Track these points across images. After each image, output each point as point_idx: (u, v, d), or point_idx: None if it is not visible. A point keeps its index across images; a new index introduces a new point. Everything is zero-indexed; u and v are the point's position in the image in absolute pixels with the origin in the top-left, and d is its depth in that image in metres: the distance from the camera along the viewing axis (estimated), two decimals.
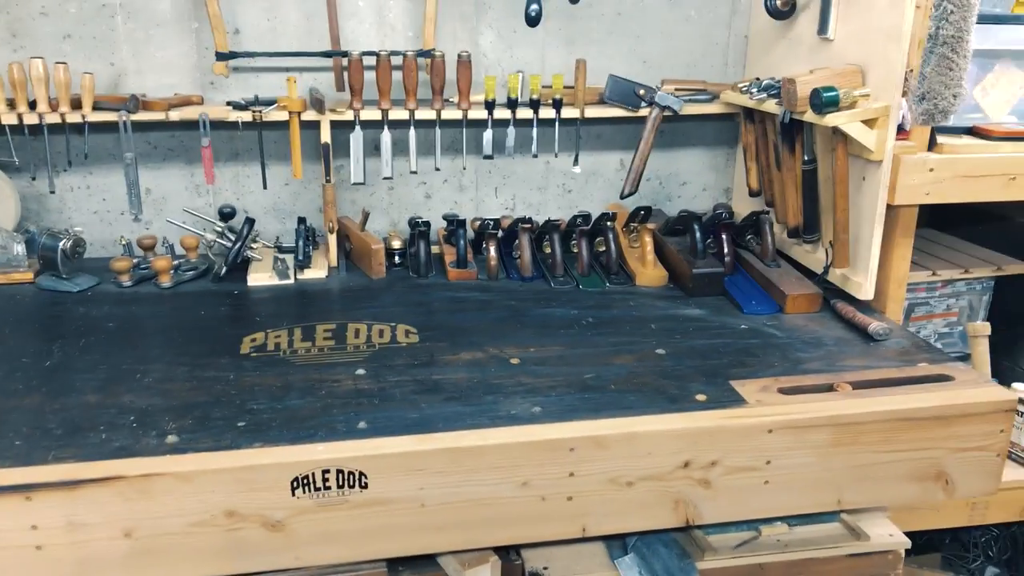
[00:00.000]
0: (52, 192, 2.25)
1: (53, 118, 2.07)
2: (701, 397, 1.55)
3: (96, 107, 2.10)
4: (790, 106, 1.94)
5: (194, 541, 1.33)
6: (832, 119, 1.81)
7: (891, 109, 1.78)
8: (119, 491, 1.29)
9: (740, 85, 2.25)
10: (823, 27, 2.02)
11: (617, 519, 1.49)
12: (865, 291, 1.91)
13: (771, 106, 2.07)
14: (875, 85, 1.83)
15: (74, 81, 2.08)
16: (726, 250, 2.15)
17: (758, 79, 2.20)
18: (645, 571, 1.52)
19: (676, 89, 2.35)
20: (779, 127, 2.07)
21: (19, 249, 2.10)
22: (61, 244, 2.06)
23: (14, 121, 2.05)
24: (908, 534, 1.66)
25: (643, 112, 2.30)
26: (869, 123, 1.81)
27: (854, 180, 1.91)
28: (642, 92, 2.28)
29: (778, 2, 2.16)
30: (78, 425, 1.43)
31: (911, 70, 1.82)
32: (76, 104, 2.09)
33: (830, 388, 1.61)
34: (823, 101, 1.81)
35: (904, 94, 1.82)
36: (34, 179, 2.21)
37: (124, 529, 1.31)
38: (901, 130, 1.92)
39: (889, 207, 1.87)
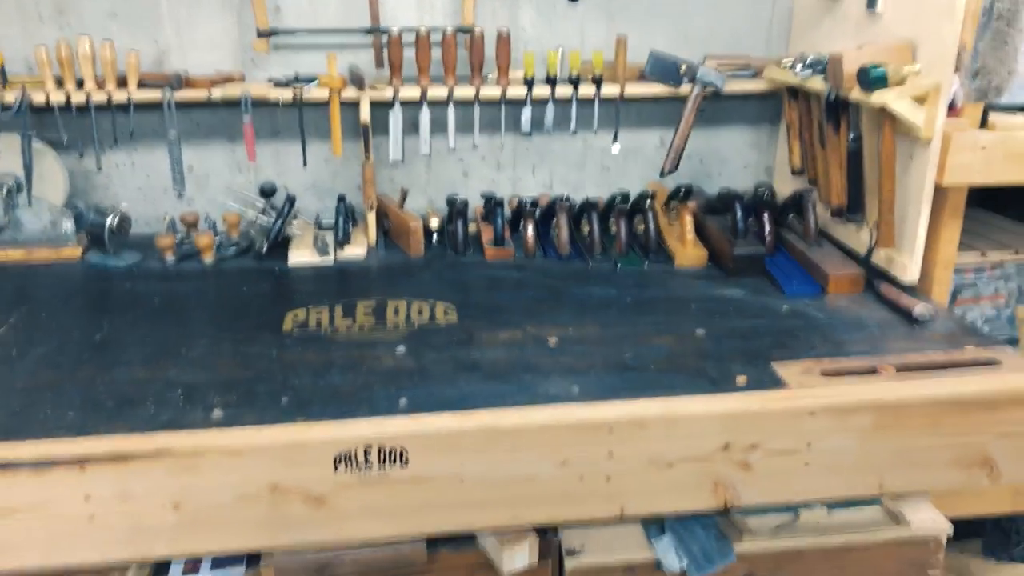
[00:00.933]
0: (99, 169, 2.29)
1: (100, 96, 2.10)
2: (742, 379, 1.53)
3: (141, 85, 2.12)
4: (836, 83, 1.89)
5: (239, 514, 1.36)
6: (880, 97, 1.77)
7: (942, 86, 1.73)
8: (168, 464, 1.32)
9: (784, 62, 2.20)
10: (872, 2, 1.96)
11: (656, 500, 1.49)
12: (910, 273, 1.88)
13: (816, 83, 2.03)
14: (926, 61, 1.78)
15: (119, 59, 2.11)
16: (768, 230, 2.12)
17: (803, 55, 2.16)
18: (682, 552, 1.53)
19: (718, 65, 2.31)
20: (824, 105, 2.02)
21: (68, 225, 2.15)
22: (108, 220, 2.10)
23: (62, 99, 2.09)
24: (950, 520, 1.64)
25: (684, 89, 2.26)
26: (919, 100, 1.76)
27: (901, 159, 1.87)
28: (684, 69, 2.25)
29: None
30: (128, 398, 1.46)
31: (964, 46, 1.77)
32: (121, 82, 2.12)
33: (873, 371, 1.58)
34: (871, 78, 1.76)
35: (956, 70, 1.76)
36: (82, 156, 2.25)
37: (172, 501, 1.34)
38: (952, 108, 1.86)
39: (937, 187, 1.83)
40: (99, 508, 1.33)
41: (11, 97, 2.05)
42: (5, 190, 2.10)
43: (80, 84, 2.11)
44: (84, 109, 2.12)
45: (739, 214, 2.09)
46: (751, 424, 1.46)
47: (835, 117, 2.02)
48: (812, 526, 1.61)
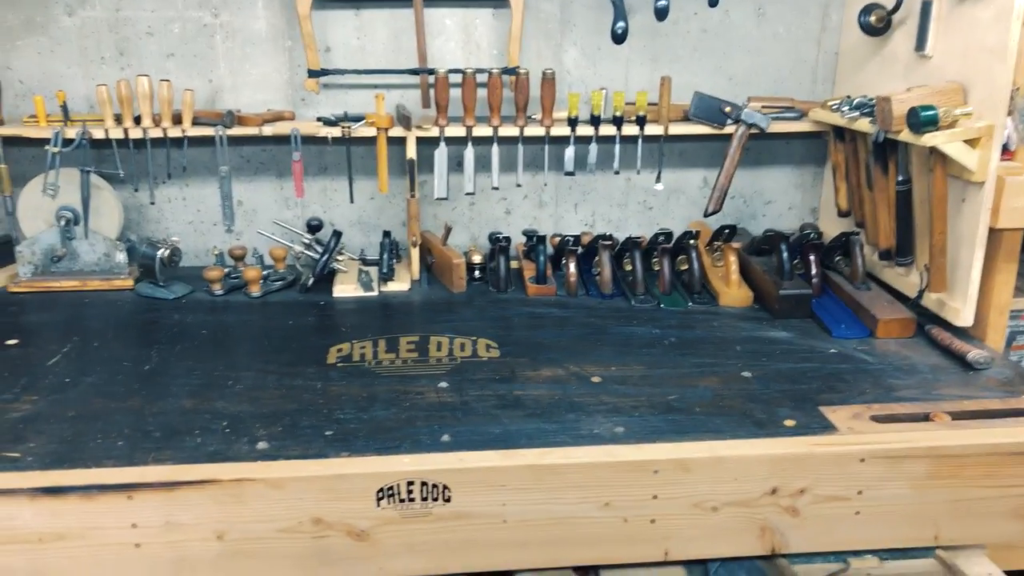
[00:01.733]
0: (152, 203, 2.35)
1: (156, 132, 2.17)
2: (789, 422, 1.51)
3: (195, 122, 2.19)
4: (885, 125, 1.88)
5: (282, 546, 1.36)
6: (930, 139, 1.75)
7: (995, 129, 1.71)
8: (213, 494, 1.33)
9: (830, 103, 2.20)
10: (921, 44, 1.95)
11: (701, 544, 1.46)
12: (963, 317, 1.83)
13: (864, 124, 2.01)
14: (978, 103, 1.76)
15: (175, 97, 2.18)
16: (814, 271, 2.09)
17: (849, 97, 2.15)
18: None
19: (763, 106, 2.31)
20: (872, 146, 2.01)
21: (121, 257, 2.20)
22: (159, 253, 2.15)
23: (120, 135, 2.16)
24: (1007, 574, 1.58)
25: (729, 129, 2.26)
26: (971, 143, 1.74)
27: (953, 202, 1.84)
28: (728, 109, 2.25)
29: (872, 18, 2.11)
30: (175, 429, 1.48)
31: (1017, 88, 1.74)
32: (176, 119, 2.19)
33: (926, 417, 1.54)
34: (921, 120, 1.75)
35: (1010, 113, 1.74)
36: (136, 190, 2.31)
37: (217, 531, 1.35)
38: (1006, 150, 1.84)
39: (992, 230, 1.80)
40: (145, 536, 1.34)
41: (72, 133, 2.13)
42: (63, 222, 2.16)
43: (138, 121, 2.18)
44: (140, 145, 2.18)
45: (785, 255, 2.07)
46: (799, 468, 1.42)
47: (883, 159, 2.00)
48: None
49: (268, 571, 1.38)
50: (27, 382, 1.66)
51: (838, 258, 2.19)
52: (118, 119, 2.17)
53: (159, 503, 1.33)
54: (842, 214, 2.30)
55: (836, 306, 2.05)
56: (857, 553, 1.55)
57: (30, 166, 2.29)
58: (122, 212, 2.25)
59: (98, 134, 2.15)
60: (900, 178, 1.95)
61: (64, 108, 2.15)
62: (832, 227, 2.37)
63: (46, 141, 2.12)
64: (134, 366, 1.75)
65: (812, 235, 2.15)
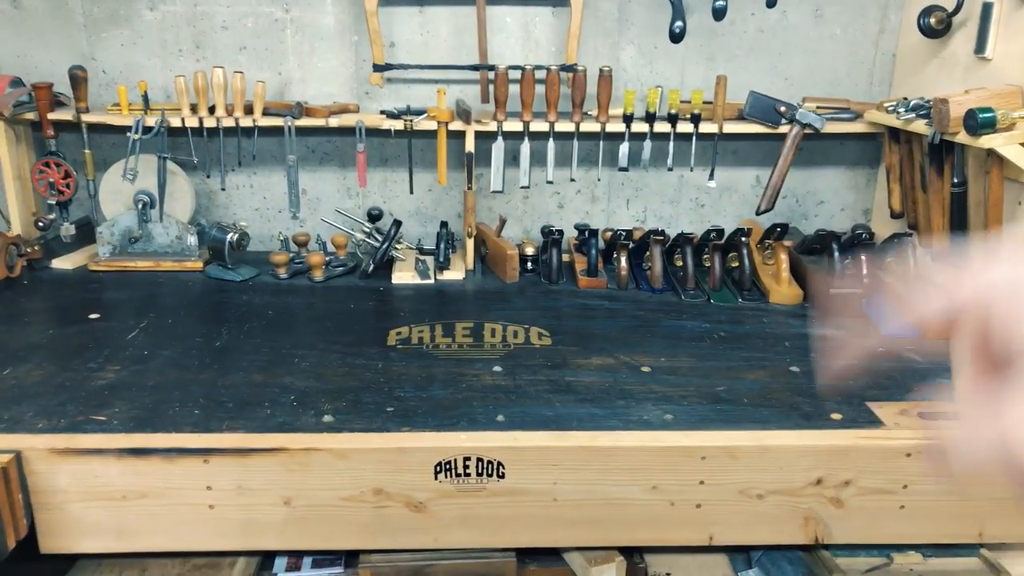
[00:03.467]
0: (222, 189, 2.47)
1: (228, 122, 2.27)
2: (836, 416, 1.54)
3: (265, 113, 2.29)
4: (941, 126, 1.89)
5: (345, 513, 1.44)
6: (987, 141, 1.76)
7: None
8: (282, 461, 1.42)
9: (886, 104, 2.20)
10: (981, 46, 1.96)
11: (745, 530, 1.50)
12: None
13: (920, 126, 2.02)
14: None
15: (247, 88, 2.29)
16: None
17: (906, 99, 2.16)
18: None
19: (818, 107, 2.33)
20: (928, 148, 2.02)
21: (192, 240, 2.32)
22: (228, 237, 2.26)
23: (195, 124, 2.27)
24: None
25: (783, 129, 2.29)
26: None
27: (1009, 204, 1.84)
28: (783, 109, 2.28)
29: (932, 20, 2.11)
30: (246, 400, 1.57)
31: None
32: (248, 109, 2.29)
33: None
34: (979, 122, 1.76)
35: None
36: (208, 177, 2.43)
37: (284, 497, 1.44)
38: None
39: None
40: (219, 499, 1.43)
41: (151, 121, 2.25)
42: (141, 205, 2.28)
43: (212, 110, 2.29)
44: (213, 133, 2.30)
45: (836, 254, 2.09)
46: (845, 460, 1.45)
47: (939, 161, 2.01)
48: (906, 572, 1.58)
49: (331, 537, 1.47)
50: (110, 353, 1.77)
51: (890, 259, 2.20)
52: (193, 108, 2.28)
53: (232, 468, 1.42)
54: (895, 215, 2.31)
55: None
56: (900, 547, 1.58)
57: (111, 152, 2.42)
58: (194, 197, 2.37)
59: (175, 122, 2.27)
60: (955, 180, 1.96)
61: (145, 97, 2.27)
62: (884, 229, 2.37)
63: (127, 128, 2.24)
64: (206, 342, 1.85)
65: (864, 235, 2.16)
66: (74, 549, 1.45)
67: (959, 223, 1.99)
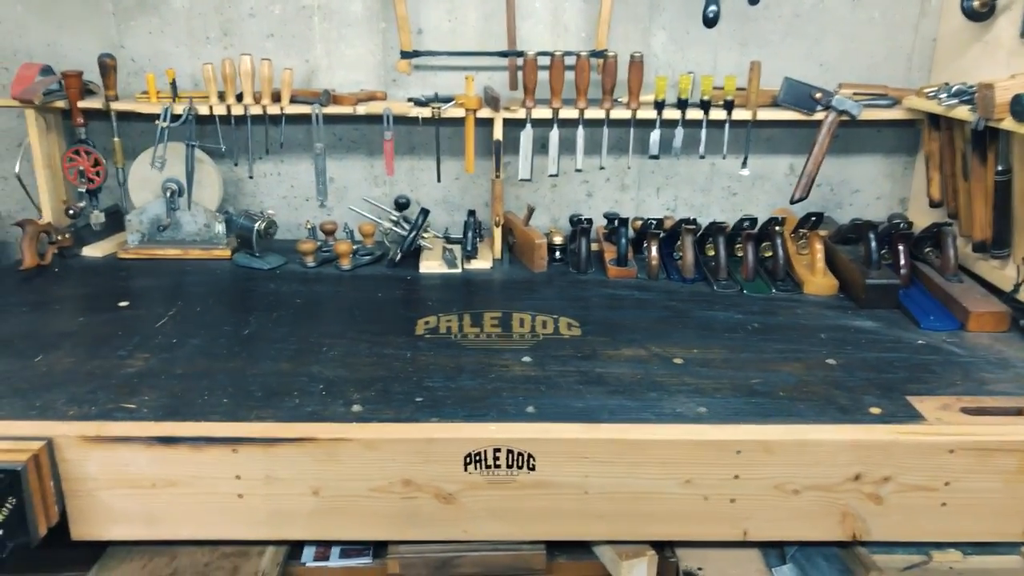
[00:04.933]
0: (251, 177, 2.46)
1: (256, 110, 2.26)
2: (875, 410, 1.50)
3: (293, 100, 2.28)
4: (985, 112, 1.83)
5: (373, 504, 1.43)
6: None
7: None
8: (311, 452, 1.41)
9: (927, 90, 2.14)
10: None
11: (780, 526, 1.46)
12: None
13: (962, 112, 1.96)
14: None
15: (275, 76, 2.27)
16: (902, 261, 2.05)
17: (947, 84, 2.09)
18: None
19: (855, 93, 2.27)
20: (970, 135, 1.95)
21: (220, 228, 2.32)
22: (256, 225, 2.25)
23: (223, 112, 2.27)
24: None
25: (818, 116, 2.23)
26: None
27: None
28: (818, 96, 2.22)
29: (976, 3, 2.05)
30: (274, 389, 1.57)
31: None
32: (275, 97, 2.28)
33: (1019, 412, 1.51)
34: None
35: None
36: (236, 165, 2.43)
37: (313, 487, 1.43)
38: None
39: None
40: (247, 488, 1.42)
41: (180, 109, 2.24)
42: (169, 193, 2.29)
43: (239, 98, 2.28)
44: (241, 121, 2.29)
45: (873, 244, 2.03)
46: (884, 456, 1.41)
47: (982, 148, 1.95)
48: (945, 570, 1.53)
49: (359, 527, 1.46)
50: (139, 341, 1.77)
51: (928, 249, 2.14)
52: (221, 96, 2.28)
53: (261, 457, 1.41)
54: (934, 204, 2.25)
55: (925, 298, 2.01)
56: (939, 545, 1.53)
57: (140, 139, 2.42)
58: (222, 185, 2.37)
59: (203, 110, 2.26)
60: (1000, 168, 1.90)
61: (173, 85, 2.27)
62: (922, 218, 2.31)
63: (156, 116, 2.24)
64: (234, 330, 1.85)
65: (902, 224, 2.10)
66: (104, 536, 1.45)
67: (1003, 213, 1.93)
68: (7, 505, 1.29)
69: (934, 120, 2.18)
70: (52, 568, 1.50)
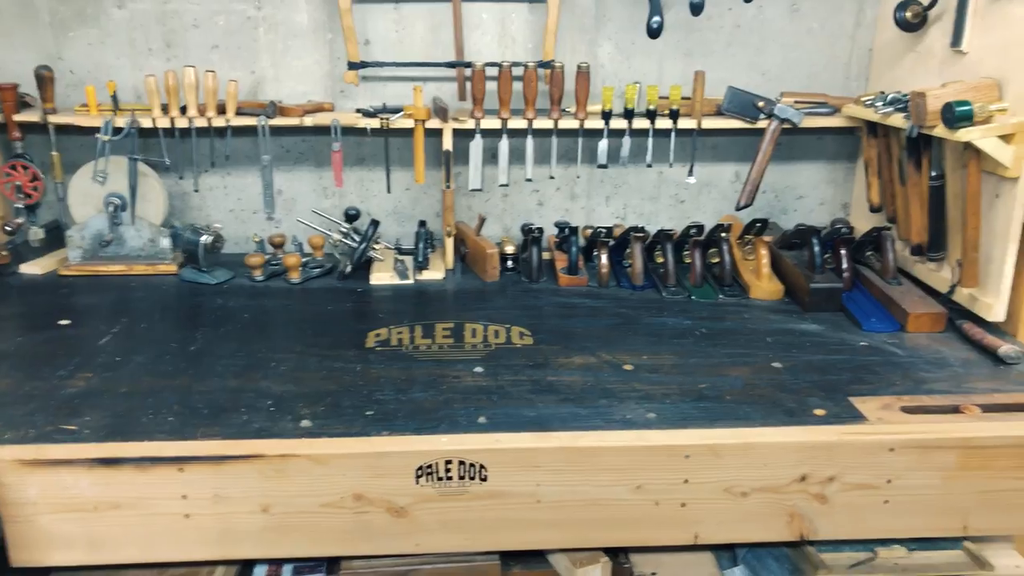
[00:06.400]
0: (196, 191, 2.42)
1: (201, 122, 2.23)
2: (819, 412, 1.53)
3: (239, 112, 2.25)
4: (919, 120, 1.89)
5: (324, 520, 1.42)
6: (965, 134, 1.76)
7: None
8: (259, 468, 1.39)
9: (864, 99, 2.21)
10: (957, 39, 1.96)
11: (730, 528, 1.49)
12: (996, 312, 1.84)
13: (897, 120, 2.02)
14: (1014, 99, 1.77)
15: (219, 87, 2.24)
16: (845, 265, 2.11)
17: (883, 92, 2.16)
18: None
19: (796, 102, 2.32)
20: (906, 141, 2.02)
21: (165, 243, 2.27)
22: (202, 239, 2.22)
23: (167, 125, 2.23)
24: None
25: (761, 124, 2.28)
26: (1006, 139, 1.75)
27: (987, 197, 1.85)
28: (761, 104, 2.27)
29: (908, 14, 2.11)
30: (222, 406, 1.54)
31: None
32: (220, 109, 2.25)
33: (956, 410, 1.56)
34: (956, 115, 1.76)
35: None
36: (181, 178, 2.38)
37: (262, 504, 1.41)
38: None
39: None
40: (195, 508, 1.40)
41: (121, 122, 2.20)
42: (112, 208, 2.23)
43: (183, 111, 2.24)
44: (186, 134, 2.25)
45: (816, 249, 2.08)
46: (829, 456, 1.45)
47: (916, 154, 2.01)
48: (890, 566, 1.57)
49: (311, 544, 1.44)
50: (80, 360, 1.72)
51: (869, 253, 2.20)
52: (164, 109, 2.24)
53: (208, 476, 1.39)
54: (874, 209, 2.31)
55: (867, 300, 2.06)
56: (885, 542, 1.58)
57: (80, 153, 2.36)
58: (167, 199, 2.32)
59: (145, 123, 2.22)
60: (933, 173, 1.97)
61: (114, 98, 2.22)
62: (863, 223, 2.38)
63: (96, 130, 2.19)
64: (180, 347, 1.81)
65: (843, 229, 2.16)
66: (45, 562, 1.41)
67: (937, 216, 2.00)
68: None
69: (872, 127, 2.24)
70: None
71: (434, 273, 2.29)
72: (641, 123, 2.28)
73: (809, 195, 2.59)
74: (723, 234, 2.21)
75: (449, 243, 2.36)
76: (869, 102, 2.17)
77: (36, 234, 2.28)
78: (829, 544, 1.57)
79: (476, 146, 2.29)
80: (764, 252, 2.16)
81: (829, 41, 2.45)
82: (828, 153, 2.56)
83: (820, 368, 1.73)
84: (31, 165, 2.23)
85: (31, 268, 2.25)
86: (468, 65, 2.28)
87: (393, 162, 2.37)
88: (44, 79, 2.19)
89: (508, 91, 2.24)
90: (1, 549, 1.37)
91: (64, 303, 2.06)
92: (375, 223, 2.27)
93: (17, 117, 2.21)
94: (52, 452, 1.36)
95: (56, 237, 2.34)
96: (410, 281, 2.24)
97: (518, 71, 2.26)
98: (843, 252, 2.12)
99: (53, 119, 2.22)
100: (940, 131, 1.83)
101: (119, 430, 1.44)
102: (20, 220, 2.26)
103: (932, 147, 1.97)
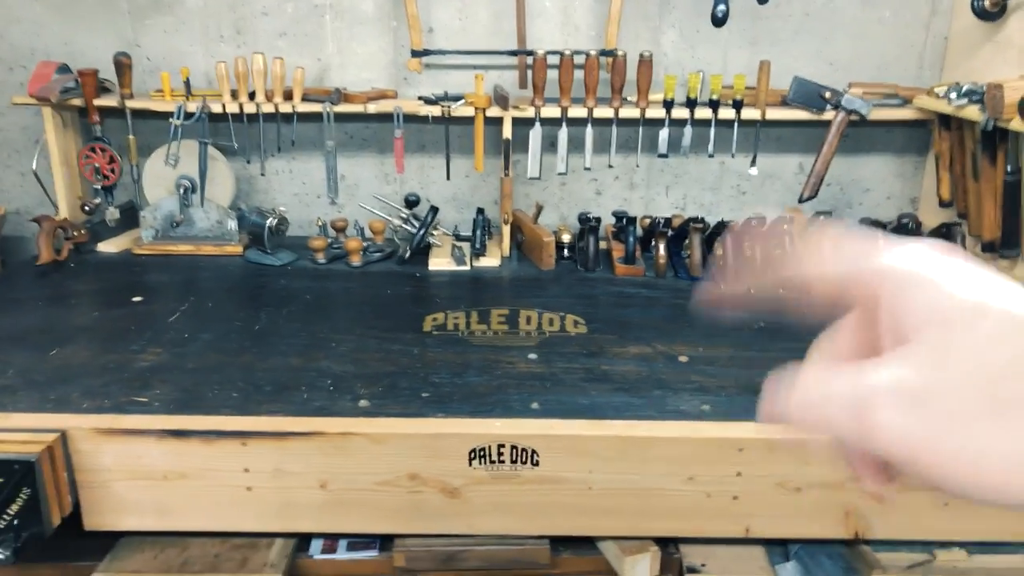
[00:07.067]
0: (262, 175, 2.49)
1: (268, 108, 2.29)
2: None
3: (305, 98, 2.30)
4: (994, 113, 1.83)
5: (380, 498, 1.45)
6: None
7: None
8: (319, 445, 1.43)
9: (937, 90, 2.14)
10: None
11: (782, 523, 1.47)
12: None
13: (972, 112, 1.96)
14: None
15: (287, 74, 2.30)
16: None
17: (958, 84, 2.09)
18: None
19: (865, 93, 2.27)
20: (980, 135, 1.95)
21: (232, 225, 2.35)
22: (268, 222, 2.28)
23: (236, 110, 2.29)
24: None
25: (828, 115, 2.23)
26: None
27: None
28: (828, 95, 2.22)
29: (987, 3, 2.04)
30: (284, 384, 1.59)
31: None
32: (287, 95, 2.31)
33: None
34: None
35: None
36: (248, 162, 2.45)
37: (320, 480, 1.45)
38: None
39: None
40: (256, 481, 1.44)
41: (193, 107, 2.27)
42: (183, 190, 2.32)
43: (252, 96, 2.30)
44: (253, 119, 2.31)
45: None
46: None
47: (992, 148, 1.94)
48: (949, 568, 1.54)
49: (366, 521, 1.48)
50: (151, 336, 1.80)
51: None
52: (234, 94, 2.30)
53: (270, 451, 1.43)
54: (944, 204, 2.25)
55: None
56: (944, 544, 1.54)
57: (154, 137, 2.45)
58: (235, 182, 2.40)
59: (216, 108, 2.29)
60: (1009, 168, 1.90)
61: (187, 83, 2.30)
62: (933, 218, 2.31)
63: (170, 114, 2.27)
64: (245, 325, 1.87)
65: (910, 224, 2.10)
66: (117, 527, 1.48)
67: (1012, 213, 1.93)
68: (21, 496, 1.32)
69: (944, 120, 2.17)
70: (65, 558, 1.53)
71: (491, 260, 2.31)
72: (703, 113, 2.26)
73: (876, 189, 2.53)
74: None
75: (506, 231, 2.38)
76: (942, 94, 2.10)
77: (112, 214, 2.38)
78: (885, 544, 1.54)
79: (535, 134, 2.30)
80: None
81: (901, 30, 2.37)
82: (897, 146, 2.49)
83: None
84: (109, 148, 2.32)
85: (107, 247, 2.35)
86: (530, 53, 2.29)
87: (453, 149, 2.40)
88: (122, 65, 2.28)
89: (569, 80, 2.24)
90: (75, 513, 1.44)
91: (137, 281, 2.15)
92: (434, 209, 2.30)
93: (97, 102, 2.30)
94: (126, 422, 1.43)
95: (130, 217, 2.44)
96: (467, 267, 2.27)
97: (580, 60, 2.26)
98: None
99: (130, 104, 2.31)
100: (1017, 124, 1.77)
101: (186, 404, 1.50)
102: (97, 201, 2.36)
103: (1008, 141, 1.90)
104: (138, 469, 1.44)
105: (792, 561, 1.56)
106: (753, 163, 2.34)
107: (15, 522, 1.33)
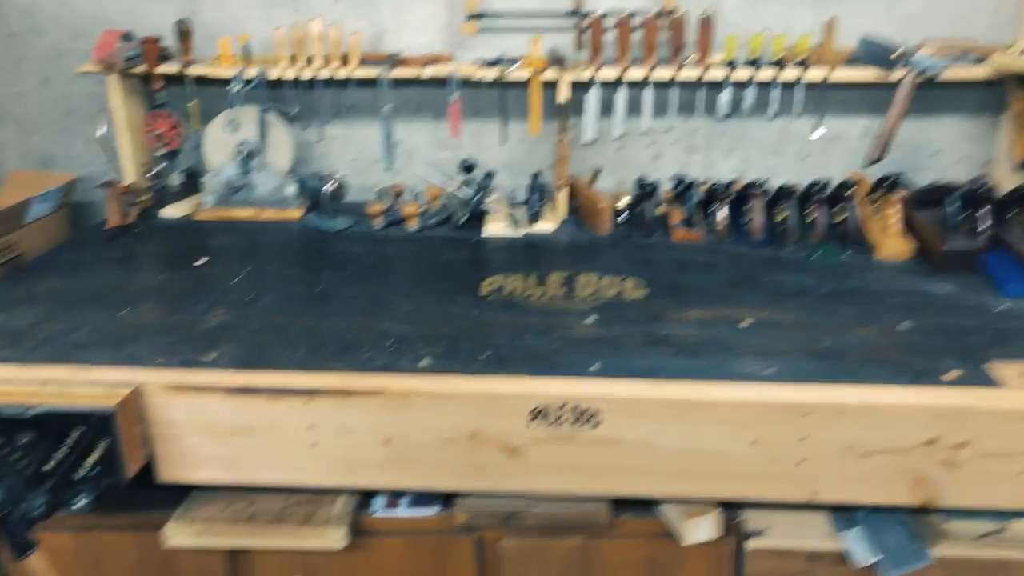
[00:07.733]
0: (320, 140, 2.51)
1: (325, 73, 2.30)
2: (952, 375, 1.46)
3: (361, 63, 2.30)
4: None
5: (442, 455, 1.47)
6: None
7: None
8: (381, 403, 1.45)
9: (1014, 47, 2.04)
10: None
11: (849, 489, 1.45)
12: None
13: None
14: None
15: (343, 39, 2.30)
16: (984, 226, 1.98)
17: None
18: (876, 547, 1.48)
19: (937, 51, 2.18)
20: None
21: (291, 190, 2.37)
22: (326, 187, 2.30)
23: (293, 76, 2.31)
24: None
25: (897, 75, 2.15)
26: None
27: None
28: (896, 54, 2.14)
29: None
30: (346, 344, 1.61)
31: None
32: (343, 61, 2.31)
33: None
34: None
35: None
36: (304, 128, 2.47)
37: (383, 437, 1.47)
38: None
39: None
40: (321, 437, 1.47)
41: (252, 73, 2.29)
42: (242, 156, 2.35)
43: (309, 62, 2.31)
44: (311, 85, 2.33)
45: (952, 207, 1.96)
46: (962, 421, 1.38)
47: None
48: (1021, 539, 1.50)
49: (428, 477, 1.50)
50: (215, 297, 1.83)
51: (1012, 213, 2.06)
52: (292, 60, 2.32)
53: (334, 408, 1.46)
54: (1020, 167, 2.15)
55: (1007, 263, 1.93)
56: (1018, 514, 1.50)
57: (214, 103, 2.48)
58: (293, 148, 2.42)
59: (273, 74, 2.31)
60: None
61: (245, 50, 2.32)
62: (1009, 181, 2.22)
63: (229, 81, 2.30)
64: (306, 288, 1.90)
65: (983, 188, 2.02)
66: (189, 480, 1.53)
67: None
68: (100, 446, 1.37)
69: (1022, 79, 2.08)
70: (140, 508, 1.59)
71: (546, 225, 2.30)
72: (766, 74, 2.20)
73: (947, 151, 2.44)
74: (850, 190, 2.11)
75: (562, 195, 2.36)
76: (1020, 51, 2.00)
77: (175, 180, 2.42)
78: (955, 513, 1.50)
79: (592, 97, 2.27)
80: (894, 210, 2.05)
81: None
82: (971, 106, 2.39)
83: (952, 332, 1.64)
84: (172, 114, 2.36)
85: (171, 211, 2.40)
86: (586, 15, 2.25)
87: (509, 113, 2.38)
88: (183, 32, 2.31)
89: (627, 41, 2.20)
90: (147, 466, 1.49)
91: (200, 245, 2.19)
92: (490, 174, 2.29)
93: (159, 69, 2.34)
94: (194, 379, 1.47)
95: (193, 182, 2.49)
96: (523, 232, 2.26)
97: (638, 20, 2.21)
98: (982, 211, 1.99)
99: (191, 71, 2.34)
100: None
101: (252, 362, 1.53)
102: (162, 166, 2.41)
103: None
104: (208, 424, 1.47)
105: (858, 527, 1.53)
106: (817, 126, 2.27)
107: (94, 471, 1.38)
